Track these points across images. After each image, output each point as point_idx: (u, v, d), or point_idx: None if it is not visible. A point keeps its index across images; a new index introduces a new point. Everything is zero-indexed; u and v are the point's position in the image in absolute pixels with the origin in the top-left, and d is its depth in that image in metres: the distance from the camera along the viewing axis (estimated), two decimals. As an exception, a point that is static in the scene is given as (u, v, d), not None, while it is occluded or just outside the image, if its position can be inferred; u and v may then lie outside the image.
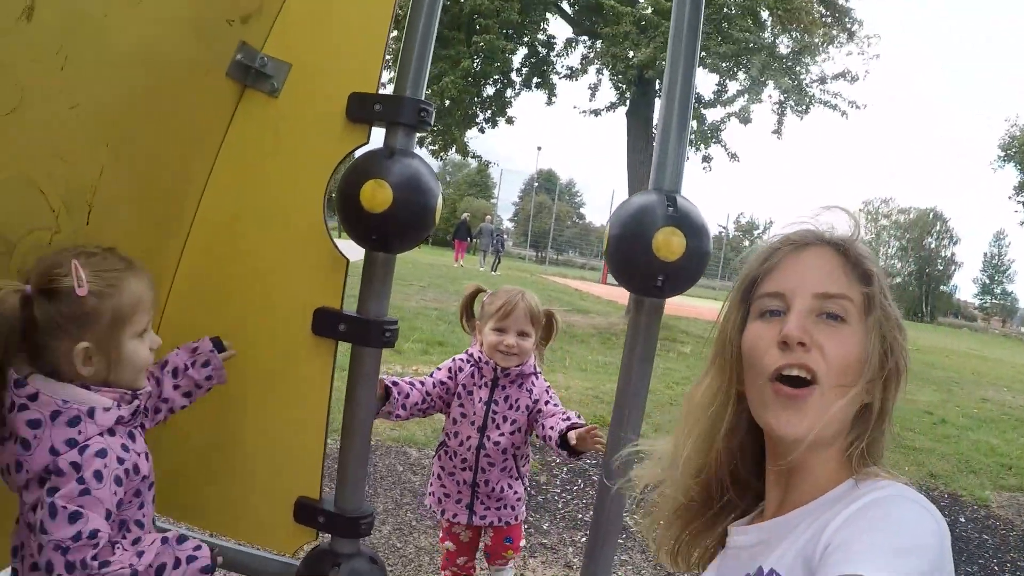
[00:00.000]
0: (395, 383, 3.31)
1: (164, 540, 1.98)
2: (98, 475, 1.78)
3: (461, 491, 3.53)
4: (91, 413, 1.82)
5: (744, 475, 1.45)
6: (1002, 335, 64.07)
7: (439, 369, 3.55)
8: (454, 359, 3.58)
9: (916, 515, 1.08)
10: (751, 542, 1.32)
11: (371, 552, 2.69)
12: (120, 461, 1.87)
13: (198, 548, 2.02)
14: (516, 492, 3.60)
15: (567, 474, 5.96)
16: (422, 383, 3.47)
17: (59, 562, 1.71)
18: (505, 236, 46.60)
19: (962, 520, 6.38)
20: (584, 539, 4.51)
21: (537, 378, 3.60)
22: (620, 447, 2.50)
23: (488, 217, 40.92)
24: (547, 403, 3.52)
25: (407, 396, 3.34)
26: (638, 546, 4.81)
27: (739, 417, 1.38)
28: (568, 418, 3.35)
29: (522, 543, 3.80)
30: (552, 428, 3.34)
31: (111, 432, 1.86)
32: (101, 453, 1.80)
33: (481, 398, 3.48)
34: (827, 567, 1.00)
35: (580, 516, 5.10)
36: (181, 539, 2.01)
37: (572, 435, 3.21)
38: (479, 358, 3.51)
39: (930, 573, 0.98)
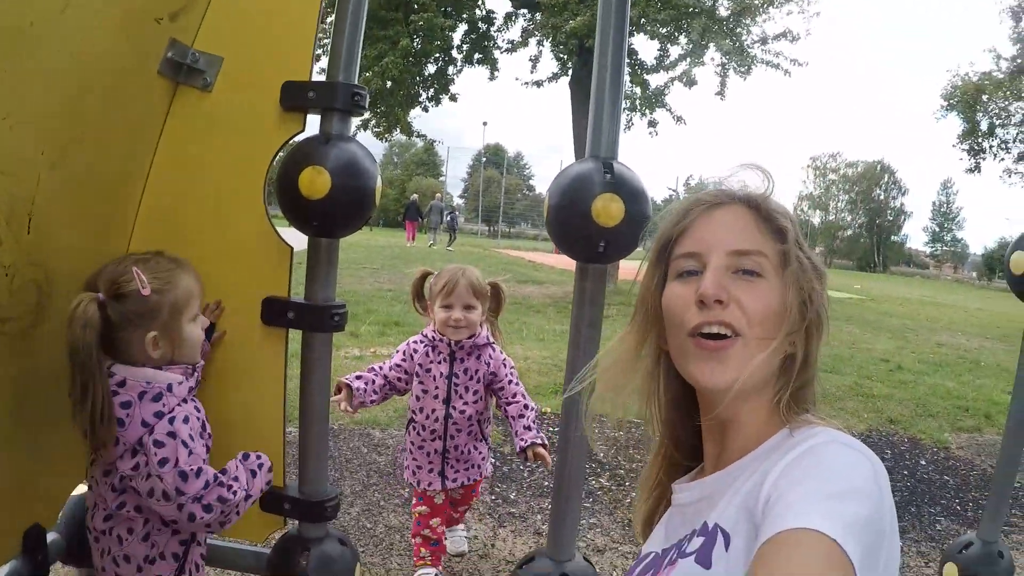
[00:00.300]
0: (356, 379, 3.70)
1: (242, 459, 2.43)
2: (191, 436, 2.20)
3: (432, 460, 3.76)
4: (169, 388, 2.21)
5: (682, 433, 1.46)
6: (954, 281, 65.17)
7: (394, 356, 3.82)
8: (408, 343, 3.83)
9: (851, 459, 1.09)
10: (694, 498, 1.33)
11: (340, 534, 2.72)
12: (198, 420, 2.31)
13: (259, 456, 2.50)
14: (481, 452, 3.88)
15: (531, 443, 6.00)
16: (380, 367, 3.79)
17: (198, 509, 2.16)
18: (457, 212, 46.57)
19: (923, 463, 6.50)
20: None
21: (493, 350, 3.79)
22: (574, 414, 2.56)
23: (437, 195, 41.11)
24: (506, 378, 3.78)
25: (372, 383, 3.73)
26: (605, 509, 4.87)
27: (669, 375, 1.39)
28: (528, 426, 3.68)
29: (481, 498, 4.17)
30: (514, 426, 3.71)
31: (184, 400, 2.26)
32: (185, 419, 2.21)
33: (442, 373, 3.70)
34: (768, 523, 1.01)
35: (546, 484, 5.14)
36: (245, 455, 2.46)
37: (530, 454, 3.60)
38: (433, 336, 3.73)
39: (869, 516, 1.00)
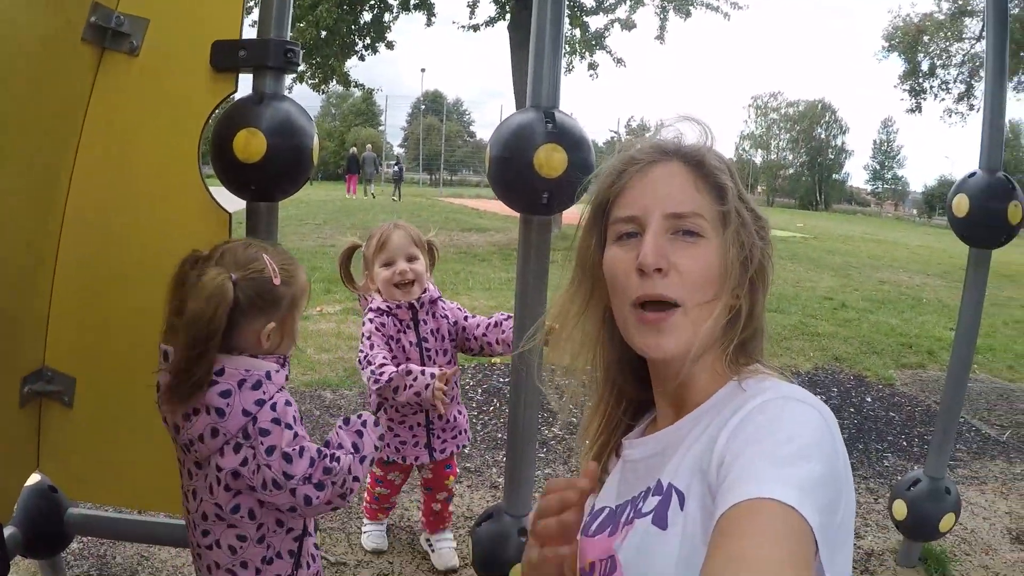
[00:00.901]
0: (406, 370, 3.19)
1: (343, 425, 2.32)
2: (294, 418, 2.11)
3: (416, 433, 3.48)
4: (268, 375, 2.11)
5: (628, 390, 1.44)
6: (895, 218, 66.30)
7: (372, 337, 3.34)
8: (369, 321, 3.37)
9: (802, 415, 1.08)
10: (647, 454, 1.31)
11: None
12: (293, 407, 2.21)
13: (360, 415, 2.36)
14: (463, 414, 3.66)
15: (481, 395, 6.00)
16: (383, 356, 3.29)
17: (311, 490, 2.08)
18: (402, 162, 46.76)
19: (868, 400, 6.61)
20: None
21: (444, 302, 3.55)
22: (523, 368, 2.55)
23: (368, 146, 41.31)
24: (464, 317, 3.56)
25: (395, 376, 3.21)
26: (560, 458, 4.90)
27: (613, 336, 1.36)
28: (498, 322, 3.49)
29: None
30: (505, 328, 3.47)
31: (281, 389, 2.16)
32: (287, 403, 2.12)
33: (411, 341, 3.39)
34: (723, 492, 1.00)
35: (500, 435, 5.14)
36: (345, 420, 2.35)
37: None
38: (388, 306, 3.37)
39: (825, 473, 0.99)
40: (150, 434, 2.62)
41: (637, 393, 1.44)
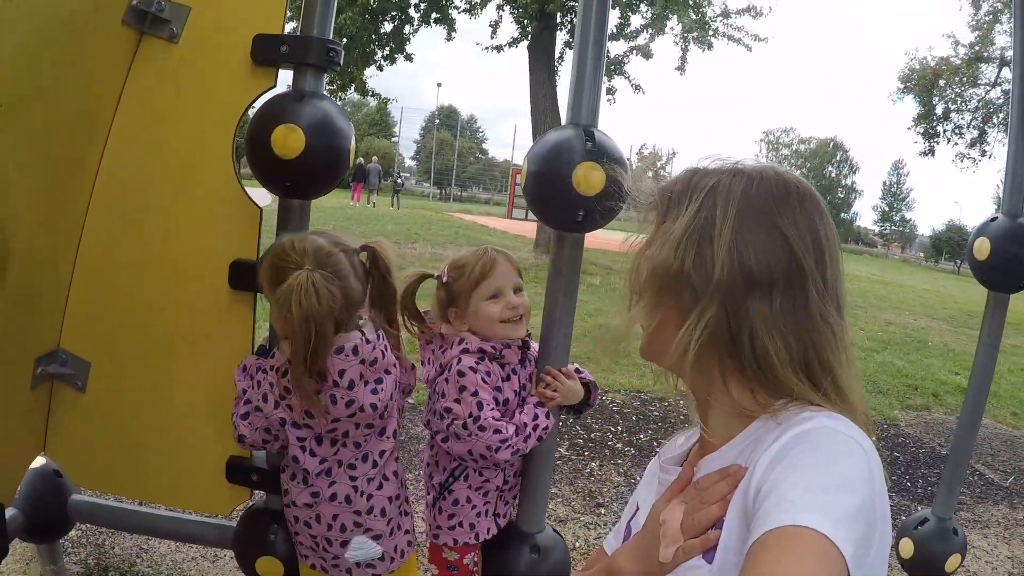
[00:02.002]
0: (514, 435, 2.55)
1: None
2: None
3: (488, 499, 2.71)
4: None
5: None
6: (901, 260, 66.36)
7: (479, 393, 2.50)
8: (472, 370, 2.51)
9: (843, 447, 1.06)
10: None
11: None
12: None
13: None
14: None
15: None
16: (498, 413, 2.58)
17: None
18: (405, 175, 47.78)
19: (874, 439, 6.55)
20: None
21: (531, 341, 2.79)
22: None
23: (374, 158, 42.38)
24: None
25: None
26: (566, 479, 4.87)
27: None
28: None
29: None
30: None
31: None
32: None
33: (514, 390, 2.62)
34: (760, 518, 0.99)
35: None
36: None
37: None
38: (493, 348, 2.56)
39: (861, 507, 0.98)
40: (162, 426, 2.62)
41: None
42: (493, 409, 2.49)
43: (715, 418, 1.26)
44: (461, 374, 2.49)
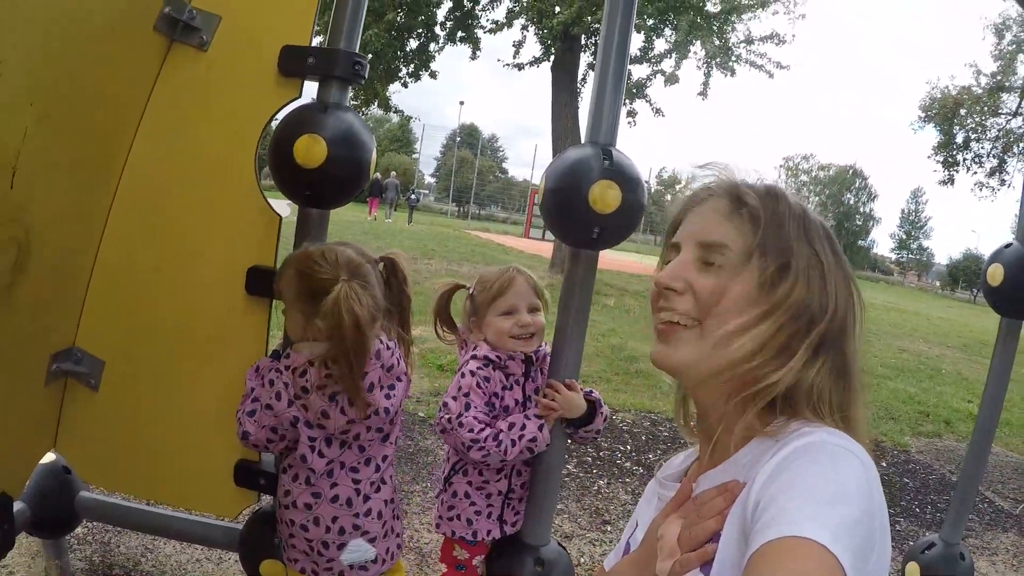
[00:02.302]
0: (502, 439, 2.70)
1: None
2: None
3: (492, 503, 2.87)
4: None
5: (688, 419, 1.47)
6: (918, 289, 66.10)
7: (470, 394, 2.73)
8: (472, 373, 2.75)
9: (841, 460, 1.07)
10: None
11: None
12: None
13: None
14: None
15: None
16: (485, 423, 2.75)
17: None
18: (424, 191, 48.57)
19: (884, 464, 6.57)
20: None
21: (547, 359, 2.94)
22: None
23: (393, 173, 42.97)
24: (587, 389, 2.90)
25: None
26: (572, 496, 4.87)
27: None
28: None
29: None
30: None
31: None
32: None
33: (516, 399, 2.79)
34: (759, 529, 1.00)
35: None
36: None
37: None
38: (499, 357, 2.77)
39: (859, 518, 0.98)
40: (173, 427, 2.64)
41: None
42: (479, 411, 2.68)
43: (720, 437, 1.26)
44: (463, 376, 2.73)
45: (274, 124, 2.44)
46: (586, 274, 2.50)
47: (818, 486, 1.01)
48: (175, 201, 2.56)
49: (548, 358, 2.86)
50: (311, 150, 2.20)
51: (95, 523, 3.56)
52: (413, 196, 42.33)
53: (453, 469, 2.89)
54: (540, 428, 2.65)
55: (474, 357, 2.79)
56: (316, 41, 2.51)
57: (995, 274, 3.13)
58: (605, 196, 2.27)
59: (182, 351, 2.59)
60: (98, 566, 3.34)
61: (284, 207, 2.53)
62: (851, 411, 1.28)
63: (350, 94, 2.47)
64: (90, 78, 2.28)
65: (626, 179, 2.31)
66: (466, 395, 2.71)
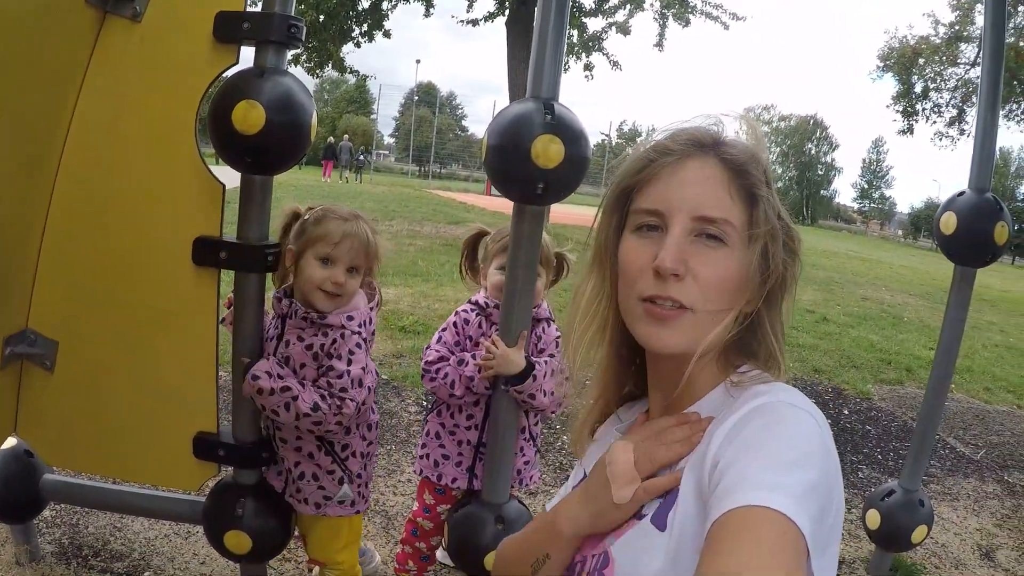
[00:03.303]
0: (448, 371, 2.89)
1: None
2: None
3: (462, 452, 3.02)
4: None
5: (623, 379, 1.44)
6: (880, 237, 66.83)
7: (446, 330, 3.01)
8: (457, 313, 3.03)
9: (798, 422, 1.07)
10: None
11: (275, 481, 2.70)
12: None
13: None
14: (526, 455, 3.12)
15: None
16: (444, 357, 2.96)
17: None
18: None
19: (846, 412, 6.65)
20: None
21: (549, 326, 3.09)
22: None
23: (346, 136, 45.58)
24: (549, 357, 2.97)
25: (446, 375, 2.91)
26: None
27: (617, 322, 1.32)
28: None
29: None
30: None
31: None
32: None
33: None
34: (718, 496, 1.00)
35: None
36: None
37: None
38: (486, 303, 2.99)
39: (817, 481, 0.99)
40: (130, 403, 2.63)
41: (636, 384, 1.43)
42: (442, 345, 2.95)
43: (683, 388, 1.25)
44: (454, 314, 3.03)
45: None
46: (532, 230, 2.49)
47: (776, 451, 1.02)
48: (117, 176, 2.52)
49: (548, 324, 3.04)
50: (248, 116, 2.17)
51: (63, 505, 3.55)
52: (361, 157, 43.48)
53: (430, 408, 3.09)
54: (480, 370, 2.74)
55: (469, 301, 3.05)
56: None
57: (948, 222, 3.15)
58: (548, 151, 2.26)
59: (133, 326, 2.57)
60: (68, 547, 3.33)
61: (229, 176, 2.50)
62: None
63: (288, 57, 2.44)
64: (24, 57, 2.24)
65: (569, 133, 2.30)
66: (443, 330, 3.00)
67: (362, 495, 2.82)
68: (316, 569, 3.01)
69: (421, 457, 3.09)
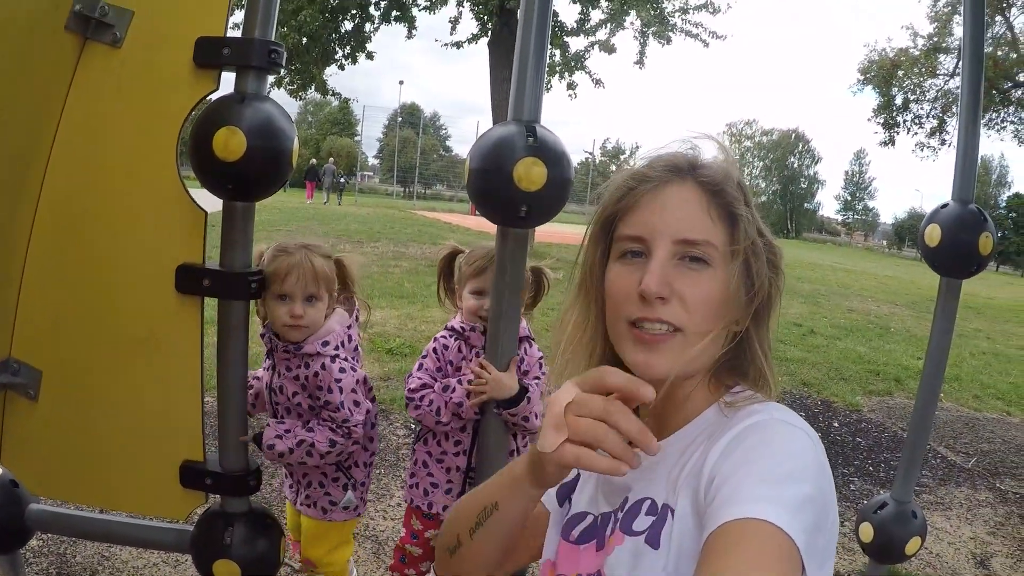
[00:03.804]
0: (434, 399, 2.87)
1: None
2: None
3: (452, 479, 3.01)
4: None
5: None
6: (865, 249, 67.27)
7: (426, 357, 2.99)
8: (435, 339, 3.02)
9: (791, 437, 1.09)
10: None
11: (263, 508, 2.67)
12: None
13: None
14: None
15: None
16: (426, 384, 2.95)
17: None
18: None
19: (836, 425, 6.69)
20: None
21: (530, 345, 3.05)
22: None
23: (331, 159, 47.82)
24: (536, 379, 2.93)
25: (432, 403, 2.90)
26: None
27: (608, 347, 1.33)
28: None
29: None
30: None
31: None
32: None
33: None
34: (713, 510, 1.01)
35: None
36: None
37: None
38: (462, 328, 2.97)
39: (811, 495, 1.01)
40: (115, 432, 2.61)
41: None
42: (424, 372, 2.95)
43: (671, 404, 1.28)
44: (433, 341, 3.02)
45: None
46: (516, 253, 2.49)
47: (771, 466, 1.04)
48: (99, 203, 2.51)
49: (529, 344, 3.01)
50: (230, 143, 2.16)
51: (49, 535, 3.53)
52: (341, 180, 45.46)
53: (417, 436, 3.07)
54: (468, 395, 2.75)
55: (446, 327, 3.03)
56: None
57: (932, 234, 3.15)
58: (530, 173, 2.26)
59: (117, 355, 2.55)
60: (54, 577, 3.31)
61: (210, 201, 2.50)
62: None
63: (269, 83, 2.44)
64: (3, 86, 2.22)
65: (551, 156, 2.30)
66: (423, 357, 2.99)
67: (363, 500, 3.10)
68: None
69: (411, 487, 3.11)
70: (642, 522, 1.20)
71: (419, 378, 2.93)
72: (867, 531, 3.46)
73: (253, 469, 2.58)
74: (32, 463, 2.76)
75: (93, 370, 2.58)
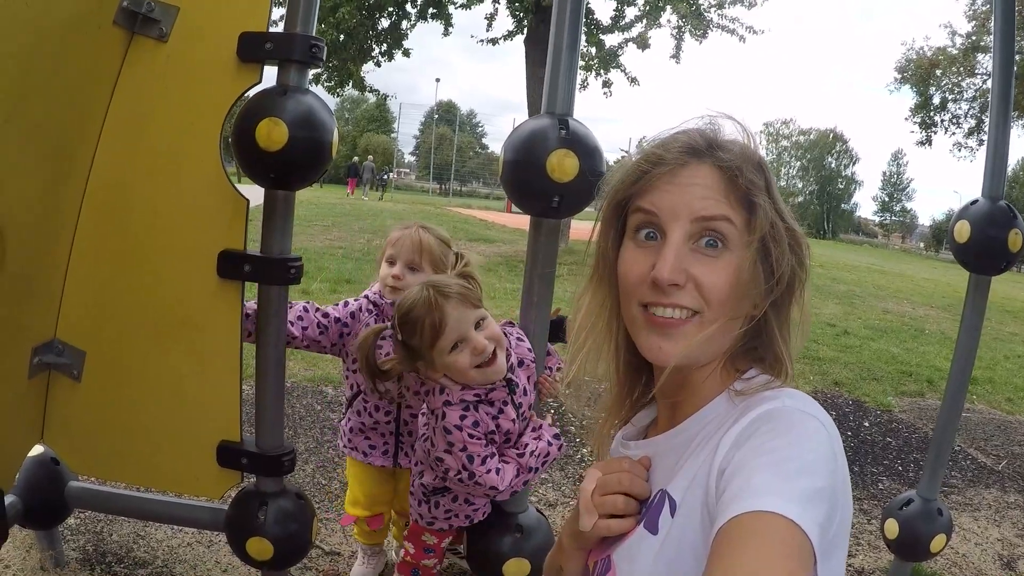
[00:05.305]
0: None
1: None
2: None
3: (475, 504, 2.86)
4: None
5: (636, 391, 1.43)
6: (902, 250, 66.22)
7: (468, 448, 2.55)
8: (458, 428, 2.53)
9: (805, 427, 1.07)
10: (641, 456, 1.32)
11: (296, 489, 2.75)
12: None
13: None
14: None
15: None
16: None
17: None
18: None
19: (867, 424, 6.64)
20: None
21: (511, 336, 2.82)
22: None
23: (370, 156, 48.89)
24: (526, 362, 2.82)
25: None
26: (556, 464, 4.93)
27: (623, 335, 1.31)
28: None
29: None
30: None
31: None
32: None
33: (511, 419, 2.64)
34: (725, 501, 1.00)
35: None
36: None
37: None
38: (476, 396, 2.56)
39: (824, 488, 0.99)
40: (155, 412, 2.69)
41: (641, 396, 1.44)
42: (485, 458, 2.54)
43: (684, 391, 1.26)
44: (447, 431, 2.53)
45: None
46: (548, 243, 2.54)
47: (784, 457, 1.02)
48: (144, 191, 2.59)
49: (526, 362, 2.74)
50: (272, 134, 2.24)
51: (87, 512, 3.62)
52: (384, 176, 47.55)
53: (436, 490, 2.81)
54: (558, 437, 2.76)
55: (448, 404, 2.56)
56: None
57: (962, 231, 3.15)
58: (563, 164, 2.32)
59: (159, 337, 2.63)
60: (92, 554, 3.39)
61: (253, 194, 2.57)
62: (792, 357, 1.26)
63: (309, 76, 2.50)
64: (54, 76, 2.30)
65: (583, 147, 2.36)
66: (463, 449, 2.53)
67: None
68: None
69: (429, 523, 2.89)
70: (645, 508, 1.24)
71: (489, 470, 2.56)
72: (892, 527, 3.46)
73: (288, 450, 2.66)
74: (73, 442, 2.85)
75: (135, 352, 2.67)
